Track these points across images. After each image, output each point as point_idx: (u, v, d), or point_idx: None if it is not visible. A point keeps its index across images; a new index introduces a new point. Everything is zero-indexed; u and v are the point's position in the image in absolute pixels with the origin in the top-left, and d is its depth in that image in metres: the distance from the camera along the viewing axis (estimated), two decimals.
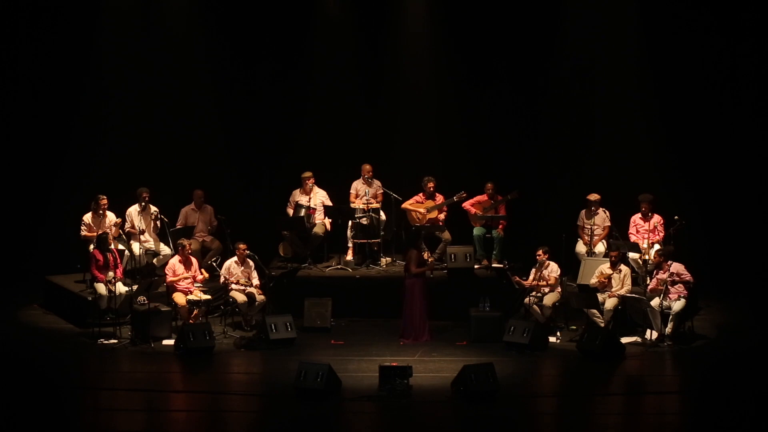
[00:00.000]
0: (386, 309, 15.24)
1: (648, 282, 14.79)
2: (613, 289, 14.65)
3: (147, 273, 15.50)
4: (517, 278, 15.03)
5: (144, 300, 14.58)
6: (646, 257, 15.41)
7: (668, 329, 14.19)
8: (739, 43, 17.00)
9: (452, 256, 15.80)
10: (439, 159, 17.38)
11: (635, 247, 15.51)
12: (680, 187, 16.97)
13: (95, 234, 15.49)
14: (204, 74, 17.73)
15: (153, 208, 16.03)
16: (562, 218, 16.43)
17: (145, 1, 17.67)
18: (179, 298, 14.84)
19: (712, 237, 16.97)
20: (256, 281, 15.20)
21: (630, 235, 15.85)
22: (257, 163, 17.85)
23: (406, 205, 16.42)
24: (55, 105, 17.62)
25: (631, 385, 13.25)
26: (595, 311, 14.50)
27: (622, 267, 14.82)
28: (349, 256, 16.37)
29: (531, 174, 17.35)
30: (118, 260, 15.24)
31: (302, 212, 16.28)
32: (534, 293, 14.85)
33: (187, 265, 15.07)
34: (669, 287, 14.24)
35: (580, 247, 16.11)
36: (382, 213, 16.41)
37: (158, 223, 16.01)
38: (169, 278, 14.94)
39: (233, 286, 15.12)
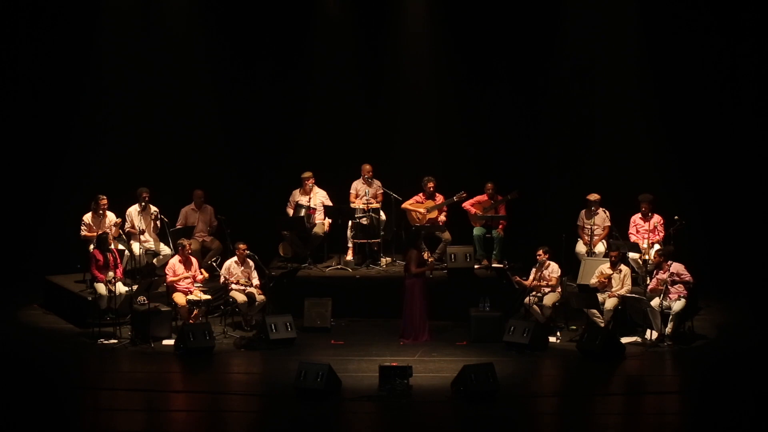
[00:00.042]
0: (386, 309, 15.24)
1: (648, 282, 14.78)
2: (613, 289, 14.65)
3: (147, 273, 15.49)
4: (518, 278, 15.03)
5: (144, 300, 14.57)
6: (646, 257, 15.40)
7: (668, 329, 14.18)
8: (739, 43, 16.99)
9: (452, 256, 15.79)
10: (439, 159, 17.37)
11: (635, 247, 15.50)
12: (680, 187, 16.96)
13: (95, 234, 15.48)
14: (204, 74, 17.73)
15: (153, 208, 16.02)
16: (562, 218, 16.42)
17: (145, 1, 17.67)
18: (179, 298, 14.83)
19: (712, 237, 16.96)
20: (256, 281, 15.20)
21: (630, 235, 15.85)
22: (257, 163, 17.83)
23: (406, 205, 16.41)
24: (55, 105, 17.61)
25: (631, 385, 13.24)
26: (595, 311, 14.49)
27: (622, 267, 14.82)
28: (349, 256, 16.36)
29: (531, 174, 17.34)
30: (118, 260, 15.23)
31: (302, 212, 16.27)
32: (534, 293, 14.86)
33: (187, 265, 15.07)
34: (669, 287, 14.23)
35: (580, 247, 16.10)
36: (382, 213, 16.40)
37: (158, 223, 16.00)
38: (169, 278, 14.93)
39: (233, 286, 15.11)
